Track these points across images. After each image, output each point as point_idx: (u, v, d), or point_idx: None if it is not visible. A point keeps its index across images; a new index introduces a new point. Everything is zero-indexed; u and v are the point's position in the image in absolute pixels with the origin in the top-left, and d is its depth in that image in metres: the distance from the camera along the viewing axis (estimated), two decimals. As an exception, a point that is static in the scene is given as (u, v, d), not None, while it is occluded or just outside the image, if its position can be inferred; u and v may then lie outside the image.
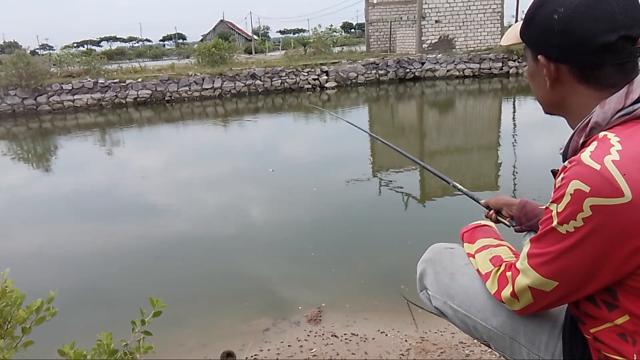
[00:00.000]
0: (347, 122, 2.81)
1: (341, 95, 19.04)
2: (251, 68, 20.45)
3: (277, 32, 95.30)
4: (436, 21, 22.51)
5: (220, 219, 6.37)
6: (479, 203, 1.62)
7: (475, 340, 1.46)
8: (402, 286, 3.82)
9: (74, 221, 6.73)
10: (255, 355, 3.14)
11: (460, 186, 1.73)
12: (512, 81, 19.75)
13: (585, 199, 0.88)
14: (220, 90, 19.53)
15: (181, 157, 10.79)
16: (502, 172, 7.93)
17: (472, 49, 22.44)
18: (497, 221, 1.53)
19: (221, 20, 68.91)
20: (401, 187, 7.21)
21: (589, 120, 0.99)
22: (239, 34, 64.25)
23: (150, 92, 18.96)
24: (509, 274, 1.10)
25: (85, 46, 56.18)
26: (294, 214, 6.37)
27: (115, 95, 18.79)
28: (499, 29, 22.96)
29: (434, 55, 21.41)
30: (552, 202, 0.96)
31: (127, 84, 18.95)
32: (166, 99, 19.08)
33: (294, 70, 20.32)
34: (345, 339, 3.22)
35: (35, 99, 18.20)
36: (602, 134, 0.95)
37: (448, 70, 20.94)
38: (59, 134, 15.07)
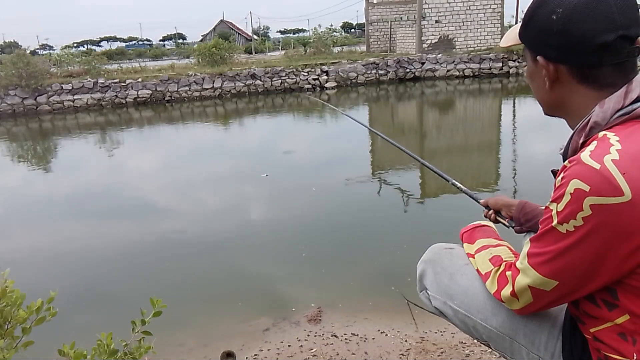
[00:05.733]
0: (350, 117, 2.84)
1: (341, 95, 19.03)
2: (251, 68, 20.44)
3: (277, 32, 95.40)
4: (436, 21, 22.50)
5: (221, 219, 6.36)
6: (478, 202, 1.62)
7: (475, 340, 1.46)
8: (402, 286, 3.82)
9: (74, 221, 6.73)
10: (255, 355, 3.14)
11: (459, 184, 1.72)
12: (512, 81, 19.75)
13: (585, 198, 0.89)
14: (220, 90, 19.52)
15: (181, 158, 10.78)
16: (502, 172, 7.94)
17: (472, 49, 22.43)
18: (496, 221, 1.53)
19: (221, 20, 68.86)
20: (401, 187, 7.21)
21: (589, 120, 0.99)
22: (239, 34, 64.23)
23: (150, 92, 18.95)
24: (508, 273, 1.10)
25: (85, 46, 56.23)
26: (294, 213, 6.37)
27: (115, 95, 18.78)
28: (499, 29, 22.95)
29: (434, 55, 21.40)
30: (552, 201, 0.96)
31: (127, 84, 18.94)
32: (166, 99, 19.08)
33: (294, 70, 20.32)
34: (345, 339, 3.21)
35: (35, 99, 18.19)
36: (601, 133, 0.96)
37: (448, 70, 20.93)
38: (59, 133, 15.06)
